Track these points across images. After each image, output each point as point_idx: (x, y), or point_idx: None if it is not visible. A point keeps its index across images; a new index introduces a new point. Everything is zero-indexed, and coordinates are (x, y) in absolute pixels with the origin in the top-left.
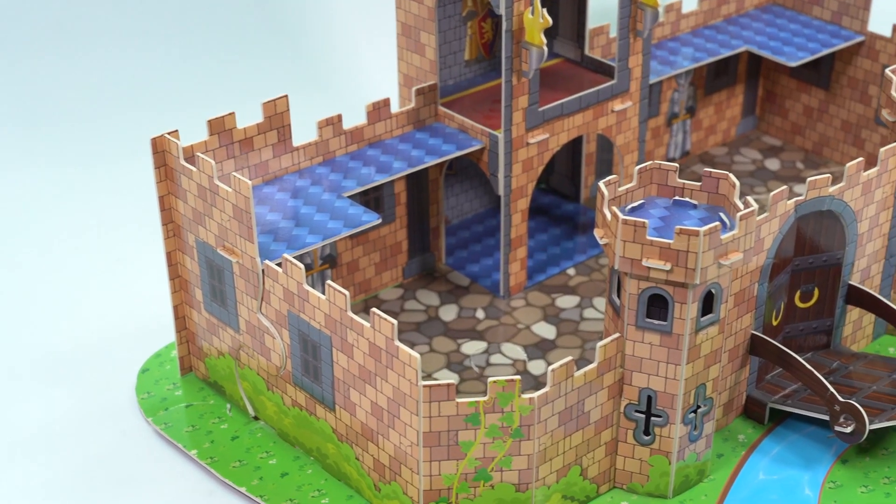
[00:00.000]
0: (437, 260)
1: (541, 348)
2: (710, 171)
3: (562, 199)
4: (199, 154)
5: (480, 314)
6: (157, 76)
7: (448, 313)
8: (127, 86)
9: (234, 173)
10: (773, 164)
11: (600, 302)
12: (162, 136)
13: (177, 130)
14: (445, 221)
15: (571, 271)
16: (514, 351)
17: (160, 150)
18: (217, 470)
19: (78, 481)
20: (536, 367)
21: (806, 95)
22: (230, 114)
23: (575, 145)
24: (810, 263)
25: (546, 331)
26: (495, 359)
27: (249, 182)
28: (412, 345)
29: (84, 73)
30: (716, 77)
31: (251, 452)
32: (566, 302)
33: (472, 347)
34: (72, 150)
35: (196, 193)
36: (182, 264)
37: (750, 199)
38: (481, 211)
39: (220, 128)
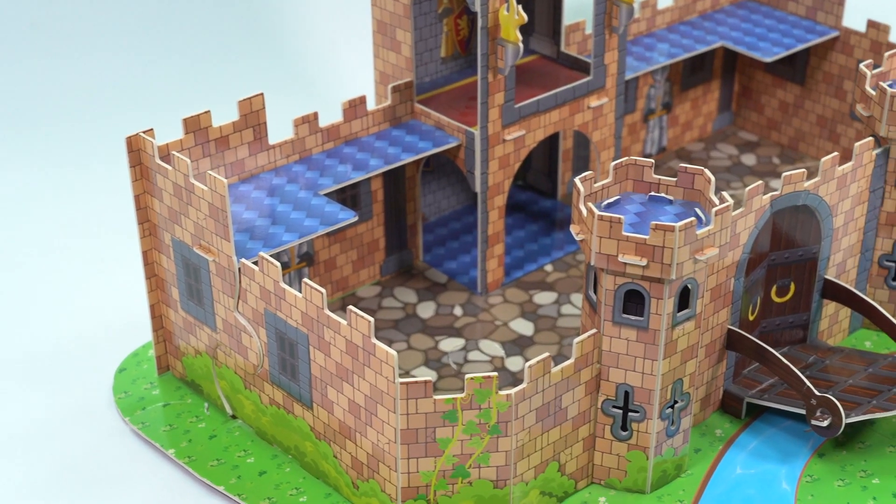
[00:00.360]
0: (414, 257)
1: (518, 345)
2: (686, 167)
3: (539, 196)
4: (174, 153)
5: (458, 311)
6: (133, 75)
7: (426, 310)
8: (103, 86)
9: (209, 172)
10: (749, 159)
11: (578, 298)
12: (137, 134)
13: (152, 129)
14: (423, 219)
15: (549, 268)
16: (492, 348)
17: (135, 148)
18: (195, 469)
19: (55, 481)
20: (514, 363)
21: (781, 91)
22: (205, 112)
23: (552, 142)
24: (786, 258)
25: (524, 327)
26: (473, 356)
27: (225, 180)
28: (390, 342)
29: (61, 73)
30: (692, 73)
31: (229, 451)
32: (544, 298)
33: (449, 344)
34: (48, 150)
35: (172, 192)
36: (158, 263)
37: (725, 194)
38: (458, 208)
39: (196, 126)
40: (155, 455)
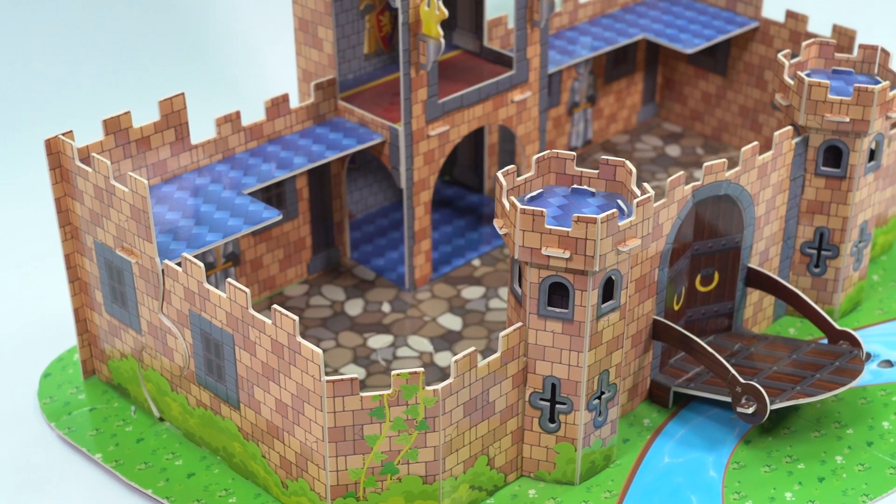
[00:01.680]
0: (341, 255)
1: (447, 340)
2: (608, 159)
3: (465, 191)
4: (94, 154)
5: (386, 308)
6: (51, 77)
7: (354, 308)
8: (21, 87)
9: (130, 173)
10: (673, 150)
11: (505, 292)
12: (56, 137)
13: (71, 131)
14: (349, 216)
15: (476, 262)
16: (421, 343)
17: (55, 151)
18: (122, 473)
19: None
20: (443, 358)
21: (704, 82)
22: (126, 113)
23: (477, 136)
24: (709, 247)
25: (452, 322)
26: (402, 352)
27: (146, 181)
28: (318, 341)
29: None
30: (615, 65)
31: (157, 454)
32: (471, 293)
33: (378, 341)
34: None
35: (93, 194)
36: (81, 266)
37: (646, 185)
38: (385, 204)
39: (116, 127)
40: (82, 460)
